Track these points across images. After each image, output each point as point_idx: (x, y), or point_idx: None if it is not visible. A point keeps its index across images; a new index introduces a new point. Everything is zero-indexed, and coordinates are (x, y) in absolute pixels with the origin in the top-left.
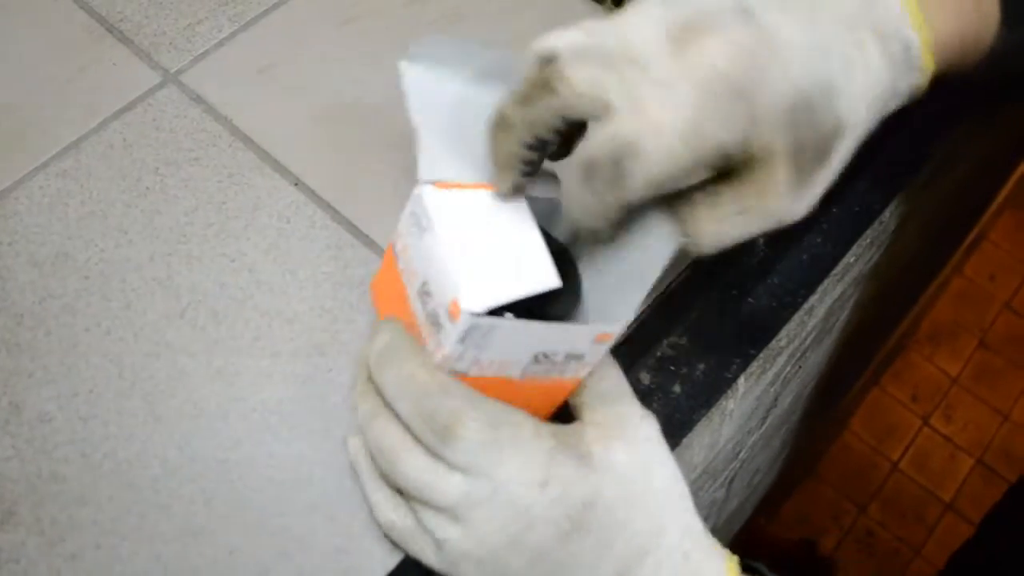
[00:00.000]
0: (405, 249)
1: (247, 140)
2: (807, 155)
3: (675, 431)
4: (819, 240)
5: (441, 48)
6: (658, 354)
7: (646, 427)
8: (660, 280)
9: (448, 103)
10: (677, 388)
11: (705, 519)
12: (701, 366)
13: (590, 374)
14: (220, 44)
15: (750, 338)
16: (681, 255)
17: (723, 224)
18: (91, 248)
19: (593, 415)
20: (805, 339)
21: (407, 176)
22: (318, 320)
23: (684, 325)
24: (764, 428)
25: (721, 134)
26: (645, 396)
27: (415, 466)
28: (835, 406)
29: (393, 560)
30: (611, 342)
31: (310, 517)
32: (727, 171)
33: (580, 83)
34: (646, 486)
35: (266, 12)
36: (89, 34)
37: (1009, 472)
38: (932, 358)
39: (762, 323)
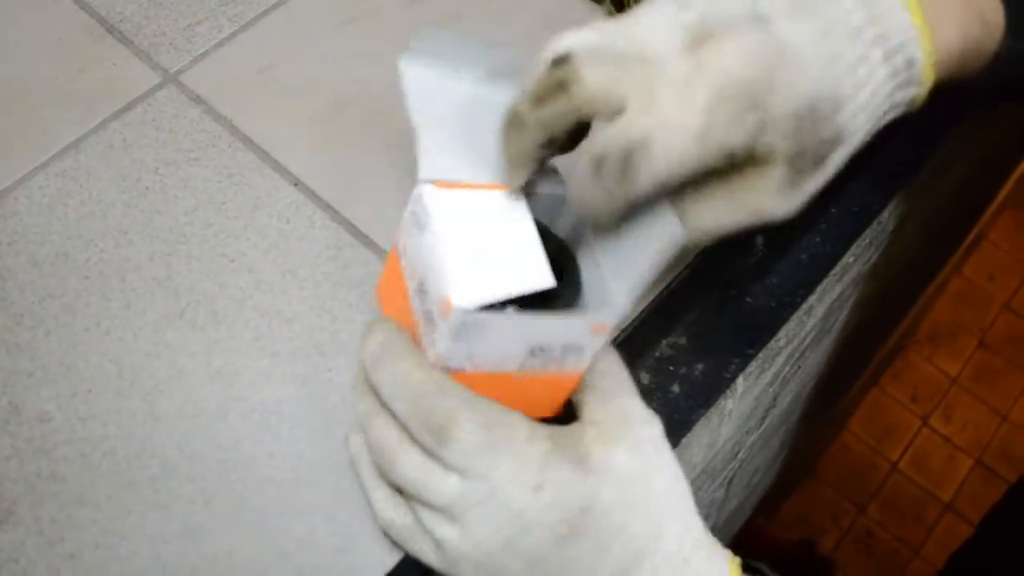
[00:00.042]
0: (405, 249)
1: (247, 140)
2: (806, 160)
3: (674, 431)
4: (818, 240)
5: (440, 44)
6: (657, 354)
7: (648, 428)
8: (657, 270)
9: (449, 101)
10: (676, 388)
11: (704, 519)
12: (700, 366)
13: (592, 370)
14: (220, 44)
15: (749, 338)
16: (679, 249)
17: (710, 215)
18: (91, 248)
19: (593, 414)
20: (804, 339)
21: (407, 176)
22: (317, 320)
23: (683, 325)
24: (763, 428)
25: (732, 137)
26: (644, 396)
27: (412, 465)
28: (834, 406)
29: (392, 560)
30: (608, 332)
31: (309, 517)
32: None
33: (595, 82)
34: (646, 489)
35: (266, 12)
36: (89, 34)
37: (1008, 472)
38: (931, 358)
39: (761, 323)
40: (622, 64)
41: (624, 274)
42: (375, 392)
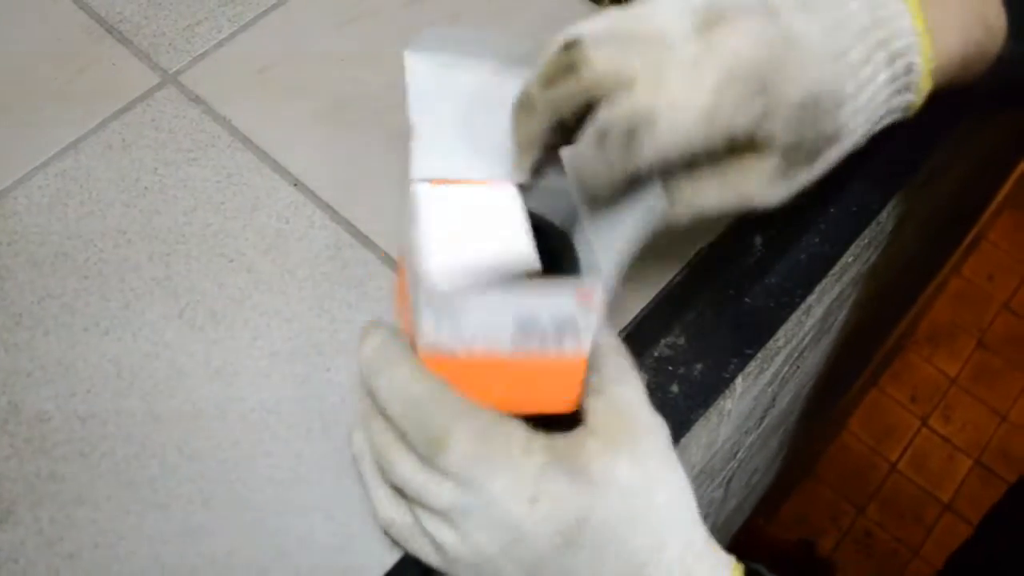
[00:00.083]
0: (405, 248)
1: (246, 140)
2: (800, 153)
3: (673, 431)
4: (817, 240)
5: (446, 40)
6: (656, 354)
7: (653, 438)
8: (639, 242)
9: (454, 94)
10: (675, 388)
11: (704, 519)
12: (699, 366)
13: (598, 373)
14: (219, 44)
15: (748, 338)
16: (662, 222)
17: (700, 195)
18: (90, 248)
19: (598, 421)
20: (803, 339)
21: (407, 176)
22: (317, 320)
23: (682, 325)
24: (762, 428)
25: (736, 119)
26: None
27: (410, 468)
28: (833, 406)
29: (392, 559)
30: (597, 304)
31: (309, 517)
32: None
33: (604, 63)
34: (648, 502)
35: (265, 12)
36: (89, 34)
37: (1008, 472)
38: (931, 358)
39: (760, 323)
40: (631, 46)
41: (608, 244)
42: (372, 396)
